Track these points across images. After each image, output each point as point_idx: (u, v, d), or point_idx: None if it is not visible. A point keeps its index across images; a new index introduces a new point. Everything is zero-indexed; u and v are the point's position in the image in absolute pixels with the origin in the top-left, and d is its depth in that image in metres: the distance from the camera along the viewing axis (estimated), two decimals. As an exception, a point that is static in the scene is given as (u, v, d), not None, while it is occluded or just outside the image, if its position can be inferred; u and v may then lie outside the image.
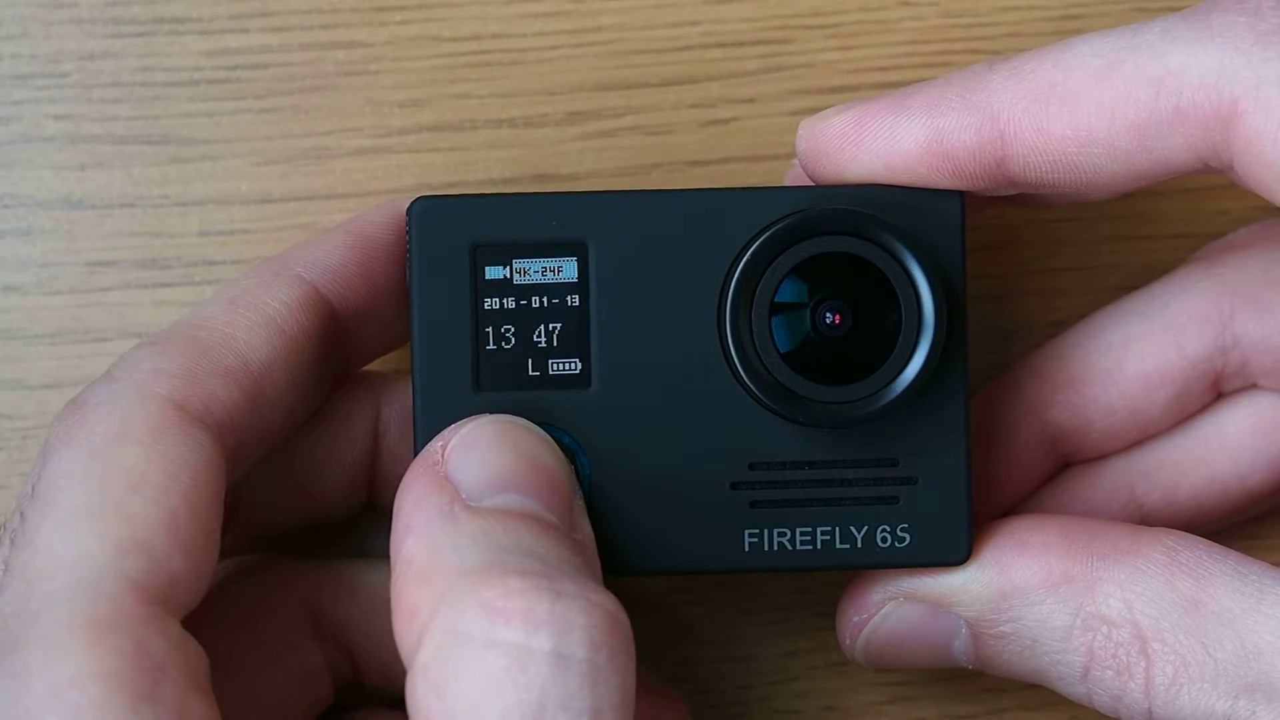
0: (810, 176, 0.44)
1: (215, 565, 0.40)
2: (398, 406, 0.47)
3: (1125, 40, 0.41)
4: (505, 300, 0.43)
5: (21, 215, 0.50)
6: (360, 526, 0.48)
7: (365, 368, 0.47)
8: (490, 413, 0.42)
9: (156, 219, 0.50)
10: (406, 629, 0.38)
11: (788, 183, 0.48)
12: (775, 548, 0.43)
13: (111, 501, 0.39)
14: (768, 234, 0.42)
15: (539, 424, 0.42)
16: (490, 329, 0.43)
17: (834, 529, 0.43)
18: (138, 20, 0.50)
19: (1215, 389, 0.48)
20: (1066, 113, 0.41)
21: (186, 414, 0.41)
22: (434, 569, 0.38)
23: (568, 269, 0.43)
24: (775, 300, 0.42)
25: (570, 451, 0.43)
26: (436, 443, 0.41)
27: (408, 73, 0.51)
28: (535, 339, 0.43)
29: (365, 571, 0.47)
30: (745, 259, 0.42)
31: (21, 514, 0.40)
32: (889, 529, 0.43)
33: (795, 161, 0.45)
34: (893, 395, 0.42)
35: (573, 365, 0.43)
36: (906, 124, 0.42)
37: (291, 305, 0.43)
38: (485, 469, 0.40)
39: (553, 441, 0.42)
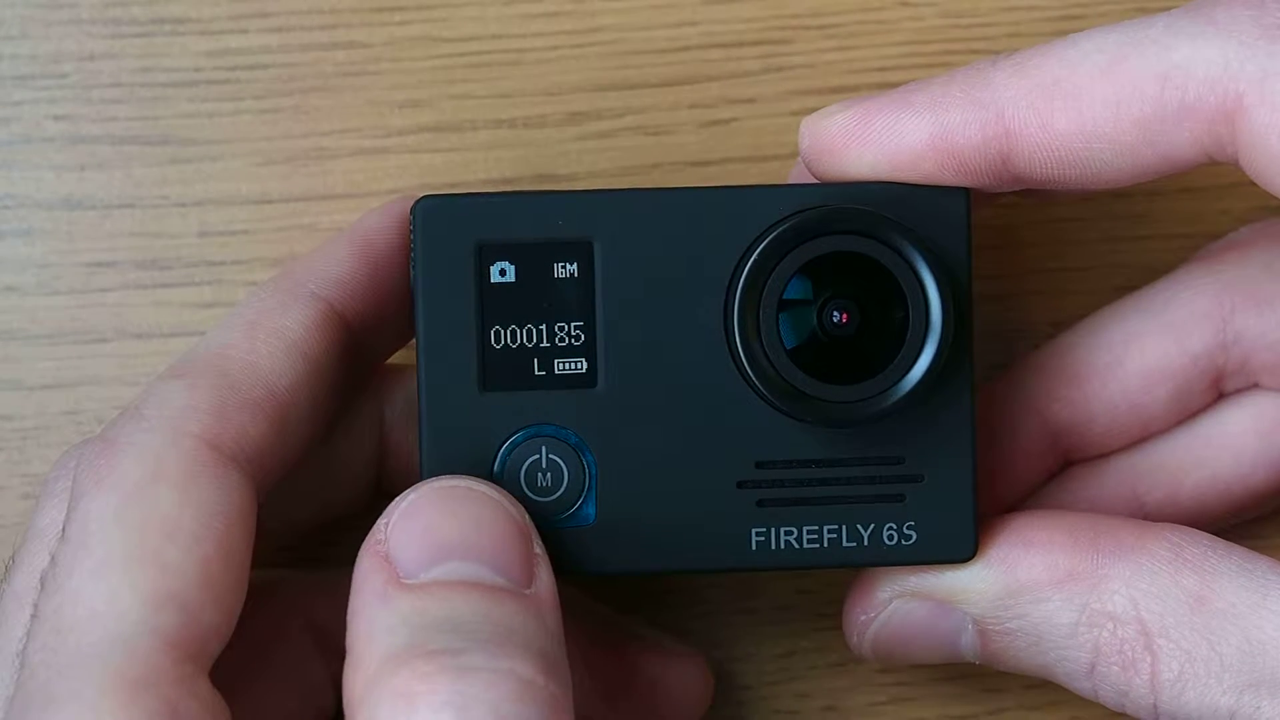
0: (813, 174, 0.44)
1: (242, 607, 0.40)
2: (401, 399, 0.47)
3: (1129, 35, 0.41)
4: (510, 300, 0.42)
5: (21, 215, 0.50)
6: (365, 527, 0.48)
7: (364, 364, 0.47)
8: (493, 416, 0.42)
9: (156, 219, 0.50)
10: (349, 716, 0.38)
11: (792, 181, 0.48)
12: (782, 546, 0.43)
13: (146, 550, 0.39)
14: (775, 233, 0.42)
15: (544, 424, 0.42)
16: (495, 329, 0.42)
17: (840, 527, 0.43)
18: (138, 20, 0.50)
19: (1216, 387, 0.48)
20: (1071, 108, 0.41)
21: (220, 454, 0.40)
22: (366, 655, 0.38)
23: (573, 268, 0.42)
24: (782, 298, 0.42)
25: (577, 451, 0.42)
26: (382, 519, 0.41)
27: (408, 73, 0.51)
28: (541, 338, 0.43)
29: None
30: (752, 258, 0.42)
31: (53, 557, 0.39)
32: (895, 527, 0.43)
33: (800, 159, 0.45)
34: (899, 395, 0.42)
35: (578, 364, 0.43)
36: (910, 120, 0.42)
37: (310, 326, 0.43)
38: (424, 541, 0.40)
39: (502, 494, 0.41)
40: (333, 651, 0.46)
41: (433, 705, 0.37)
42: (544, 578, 0.40)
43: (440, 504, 0.41)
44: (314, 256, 0.45)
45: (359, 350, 0.45)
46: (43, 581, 0.39)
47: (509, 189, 0.50)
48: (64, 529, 0.40)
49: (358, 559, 0.40)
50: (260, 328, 0.43)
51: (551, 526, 0.42)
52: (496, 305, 0.42)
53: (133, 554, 0.39)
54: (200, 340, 0.43)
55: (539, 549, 0.41)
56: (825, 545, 0.43)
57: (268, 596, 0.46)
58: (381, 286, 0.45)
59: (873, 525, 0.43)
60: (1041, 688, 0.48)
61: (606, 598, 0.49)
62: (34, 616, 0.39)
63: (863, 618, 0.45)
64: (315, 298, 0.44)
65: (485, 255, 0.42)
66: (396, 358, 0.48)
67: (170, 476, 0.40)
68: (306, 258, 0.45)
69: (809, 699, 0.51)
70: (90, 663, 0.37)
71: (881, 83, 0.51)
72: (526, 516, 0.41)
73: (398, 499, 0.41)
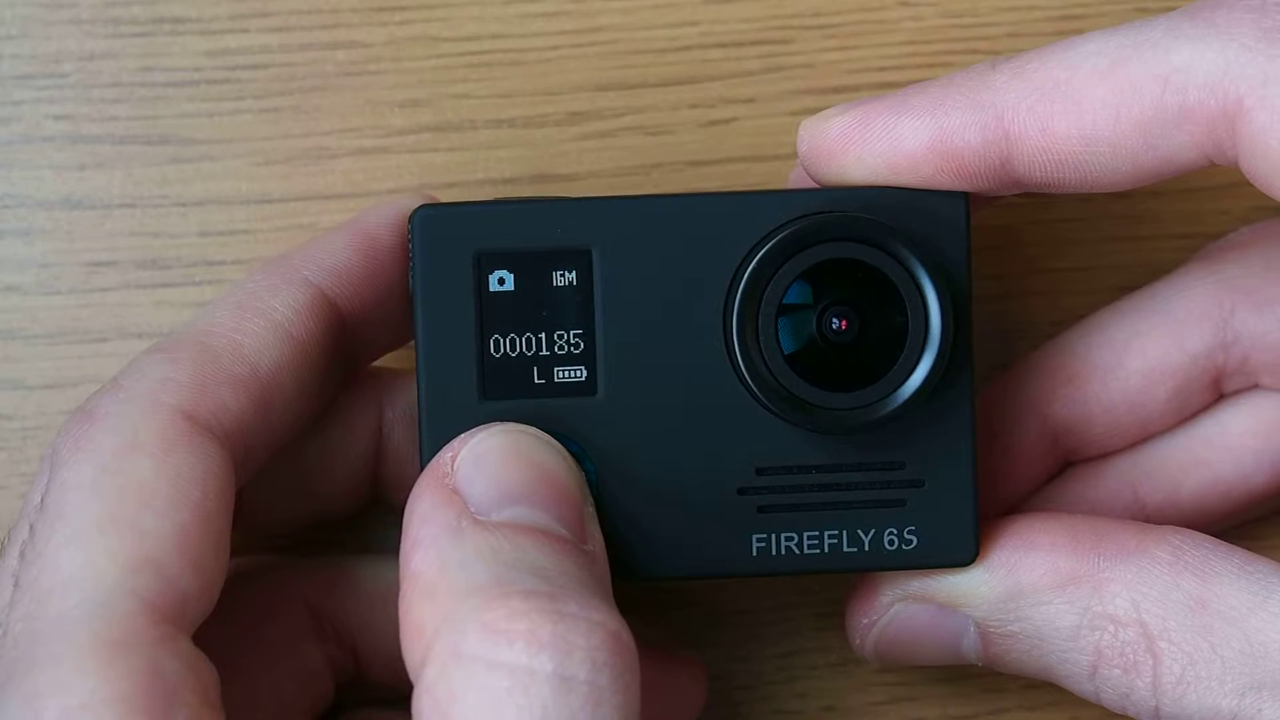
0: (812, 177, 0.44)
1: (224, 577, 0.40)
2: (401, 404, 0.47)
3: (1129, 38, 0.41)
4: (509, 308, 0.42)
5: (21, 215, 0.50)
6: (366, 523, 0.48)
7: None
8: (497, 421, 0.42)
9: (156, 219, 0.50)
10: (413, 645, 0.38)
11: (792, 183, 0.48)
12: (783, 551, 0.43)
13: (123, 516, 0.39)
14: (774, 240, 0.42)
15: (545, 431, 0.42)
16: (495, 337, 0.42)
17: (841, 532, 0.43)
18: (138, 20, 0.50)
19: (1216, 387, 0.48)
20: (1071, 111, 0.41)
21: (196, 424, 0.40)
22: (440, 586, 0.38)
23: (571, 276, 0.42)
24: (781, 304, 0.42)
25: (577, 458, 0.42)
26: (446, 453, 0.41)
27: (408, 73, 0.51)
28: (540, 346, 0.42)
29: (366, 568, 0.47)
30: (751, 265, 0.42)
31: (31, 527, 0.40)
32: (896, 531, 0.43)
33: (800, 161, 0.45)
34: (898, 402, 0.42)
35: (578, 372, 0.43)
36: (909, 124, 0.42)
37: (298, 310, 0.43)
38: (495, 481, 0.40)
39: (564, 450, 0.42)
40: (332, 638, 0.46)
41: (532, 644, 0.37)
42: (597, 537, 0.41)
43: (511, 447, 0.41)
44: (312, 245, 0.45)
45: (354, 342, 0.45)
46: (22, 552, 0.39)
47: (509, 189, 0.50)
48: (41, 499, 0.40)
49: (417, 490, 0.40)
50: (247, 308, 0.43)
51: None
52: (495, 314, 0.42)
53: (109, 520, 0.39)
54: (188, 320, 0.43)
55: (590, 508, 0.41)
56: (826, 550, 0.43)
57: (263, 579, 0.46)
58: (379, 280, 0.45)
59: (873, 530, 0.43)
60: (1042, 688, 0.48)
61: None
62: (14, 586, 0.39)
63: (865, 620, 0.45)
64: (307, 283, 0.44)
65: (484, 264, 0.42)
66: (393, 359, 0.48)
67: (147, 445, 0.40)
68: (304, 246, 0.45)
69: (809, 699, 0.51)
70: (70, 626, 0.37)
71: (881, 83, 0.51)
72: (581, 474, 0.42)
73: (462, 436, 0.41)
